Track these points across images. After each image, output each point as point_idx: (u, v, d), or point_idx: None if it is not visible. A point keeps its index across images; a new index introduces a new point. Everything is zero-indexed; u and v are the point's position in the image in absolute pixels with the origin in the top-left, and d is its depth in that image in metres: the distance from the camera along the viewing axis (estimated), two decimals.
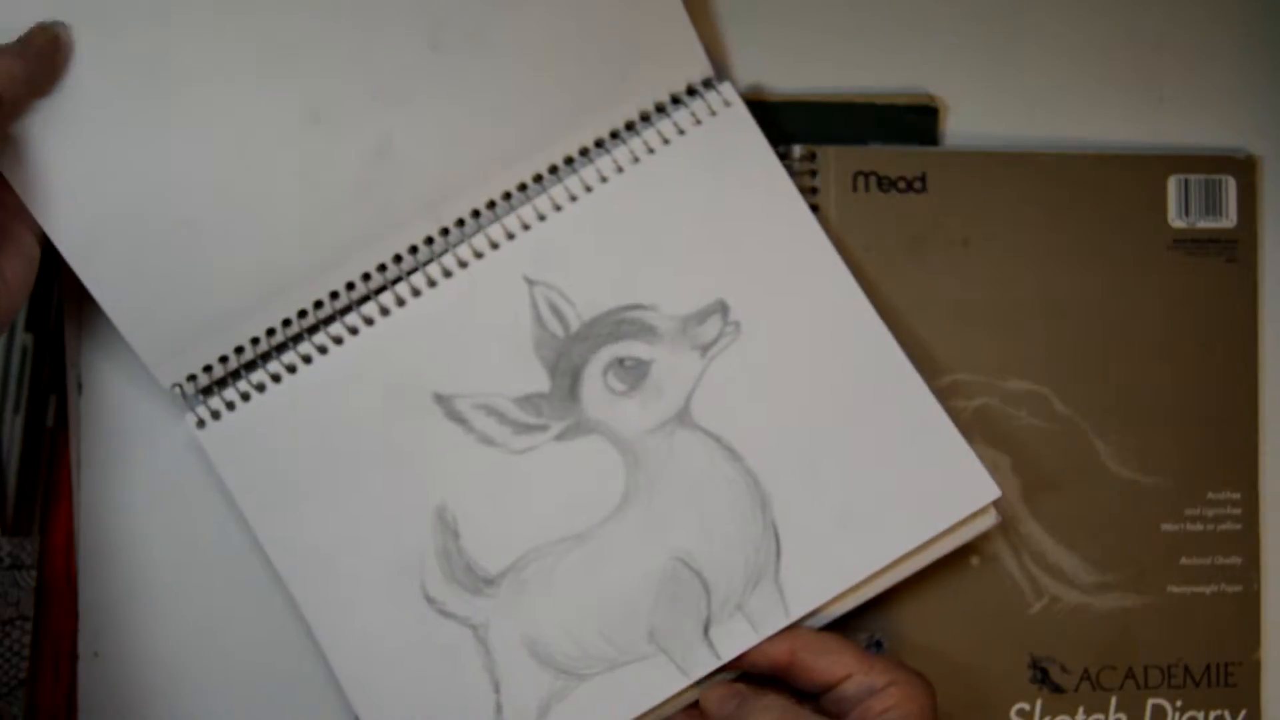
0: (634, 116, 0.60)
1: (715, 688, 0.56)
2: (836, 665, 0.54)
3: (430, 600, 0.57)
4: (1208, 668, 0.63)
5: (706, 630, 0.56)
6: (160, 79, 0.55)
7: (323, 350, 0.59)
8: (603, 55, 0.59)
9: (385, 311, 0.59)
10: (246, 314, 0.58)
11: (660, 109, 0.60)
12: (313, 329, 0.59)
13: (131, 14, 0.54)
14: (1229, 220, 0.64)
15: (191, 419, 0.58)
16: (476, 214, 0.60)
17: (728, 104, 0.60)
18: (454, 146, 0.59)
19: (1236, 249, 0.64)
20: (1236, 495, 0.63)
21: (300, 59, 0.56)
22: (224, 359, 0.58)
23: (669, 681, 0.56)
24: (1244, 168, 0.64)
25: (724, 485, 0.57)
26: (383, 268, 0.59)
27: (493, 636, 0.57)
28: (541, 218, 0.59)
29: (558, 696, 0.56)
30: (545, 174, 0.60)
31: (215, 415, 0.58)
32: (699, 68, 0.60)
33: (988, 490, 0.57)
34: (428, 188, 0.59)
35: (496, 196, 0.60)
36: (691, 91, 0.60)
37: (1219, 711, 0.63)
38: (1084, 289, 0.63)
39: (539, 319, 0.59)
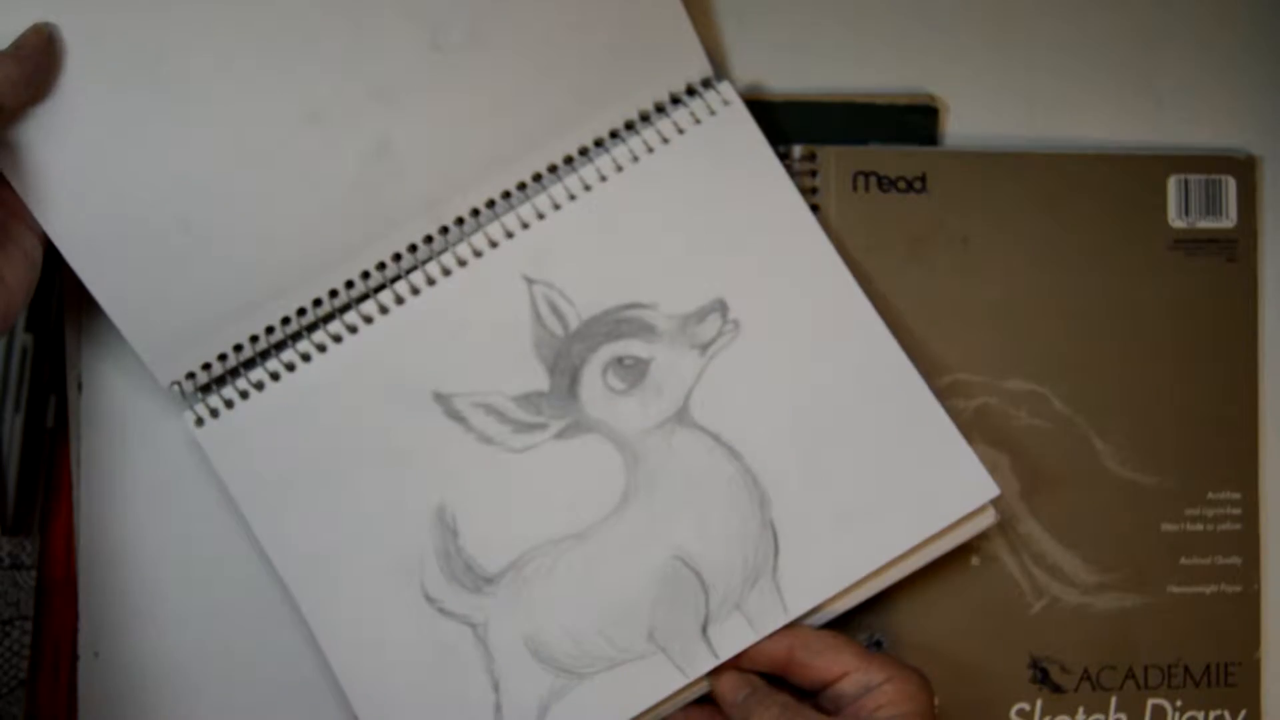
0: (633, 116, 0.60)
1: (729, 675, 0.56)
2: (834, 663, 0.54)
3: (430, 599, 0.57)
4: (1208, 668, 0.63)
5: (705, 629, 0.56)
6: (160, 78, 0.55)
7: (322, 349, 0.59)
8: (602, 54, 0.59)
9: (385, 310, 0.59)
10: (246, 312, 0.58)
11: (660, 108, 0.60)
12: (312, 327, 0.59)
13: (131, 13, 0.54)
14: (1229, 220, 0.64)
15: (190, 417, 0.58)
16: (476, 213, 0.60)
17: (727, 103, 0.60)
18: (453, 145, 0.59)
19: (1236, 249, 0.64)
20: (1236, 495, 0.63)
21: (299, 58, 0.56)
22: (223, 357, 0.58)
23: (668, 680, 0.56)
24: (1244, 168, 0.64)
25: (723, 484, 0.57)
26: (382, 266, 0.59)
27: (492, 635, 0.57)
28: (541, 217, 0.59)
29: (557, 695, 0.56)
30: (545, 173, 0.60)
31: (214, 413, 0.58)
32: (698, 67, 0.60)
33: (986, 489, 0.57)
34: (427, 187, 0.59)
35: (496, 195, 0.60)
36: (691, 91, 0.60)
37: (1219, 711, 0.63)
38: (1084, 289, 0.63)
39: (538, 318, 0.59)
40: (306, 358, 0.58)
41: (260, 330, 0.59)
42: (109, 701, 0.59)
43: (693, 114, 0.60)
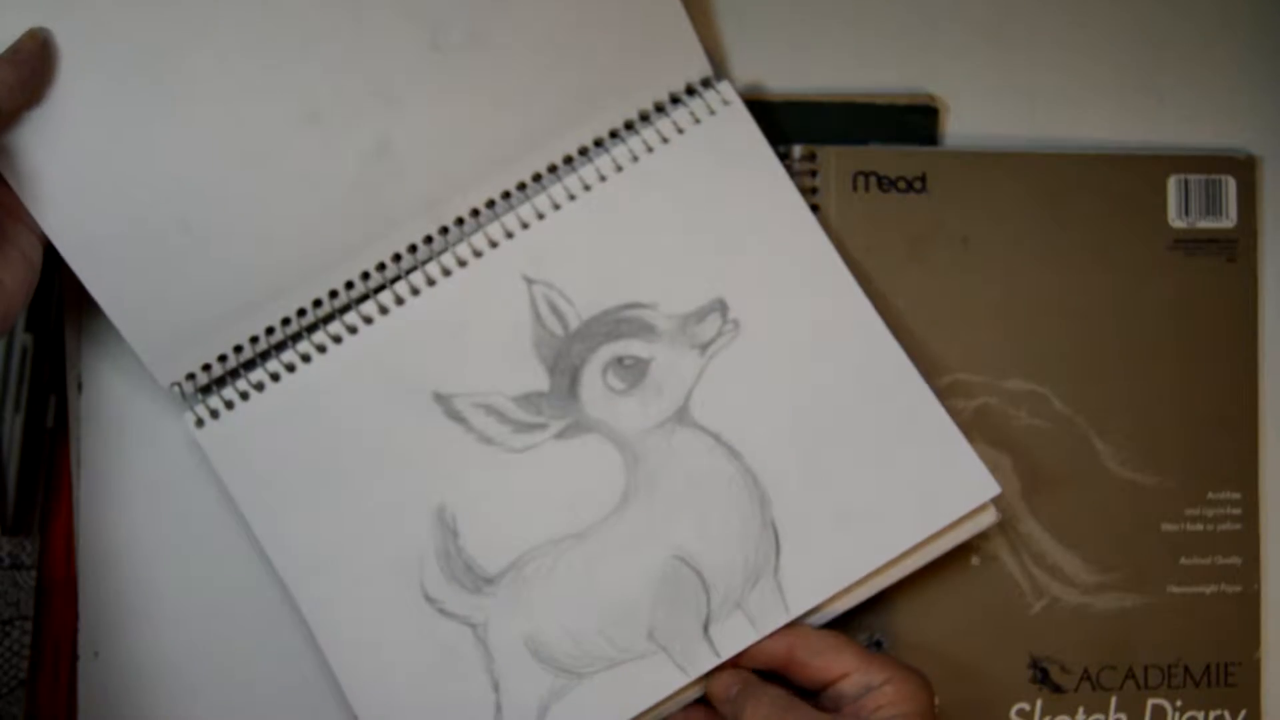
0: (633, 116, 0.60)
1: (722, 674, 0.56)
2: (834, 663, 0.54)
3: (430, 600, 0.57)
4: (1208, 668, 0.63)
5: (706, 628, 0.56)
6: (159, 79, 0.55)
7: (322, 349, 0.59)
8: (602, 54, 0.59)
9: (385, 310, 0.59)
10: (246, 312, 0.58)
11: (659, 108, 0.60)
12: (312, 327, 0.59)
13: (131, 13, 0.54)
14: (1229, 220, 0.64)
15: (190, 418, 0.58)
16: (476, 213, 0.60)
17: (726, 103, 0.60)
18: (453, 145, 0.59)
19: (1236, 249, 0.64)
20: (1236, 495, 0.63)
21: (299, 59, 0.56)
22: (223, 358, 0.58)
23: (668, 679, 0.56)
24: (1244, 168, 0.64)
25: (723, 483, 0.57)
26: (382, 266, 0.59)
27: (492, 636, 0.57)
28: (541, 217, 0.59)
29: (557, 695, 0.56)
30: (544, 173, 0.60)
31: (214, 414, 0.58)
32: (698, 67, 0.60)
33: (987, 487, 0.57)
34: (427, 187, 0.59)
35: (496, 196, 0.60)
36: (691, 91, 0.60)
37: (1219, 711, 0.63)
38: (1084, 289, 0.63)
39: (538, 318, 0.59)
40: (306, 358, 0.58)
41: (260, 331, 0.58)
42: (109, 701, 0.59)
43: (692, 114, 0.60)
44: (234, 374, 0.59)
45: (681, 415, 0.58)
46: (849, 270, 0.59)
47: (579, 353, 0.58)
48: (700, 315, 0.59)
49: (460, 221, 0.60)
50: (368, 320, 0.59)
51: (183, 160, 0.56)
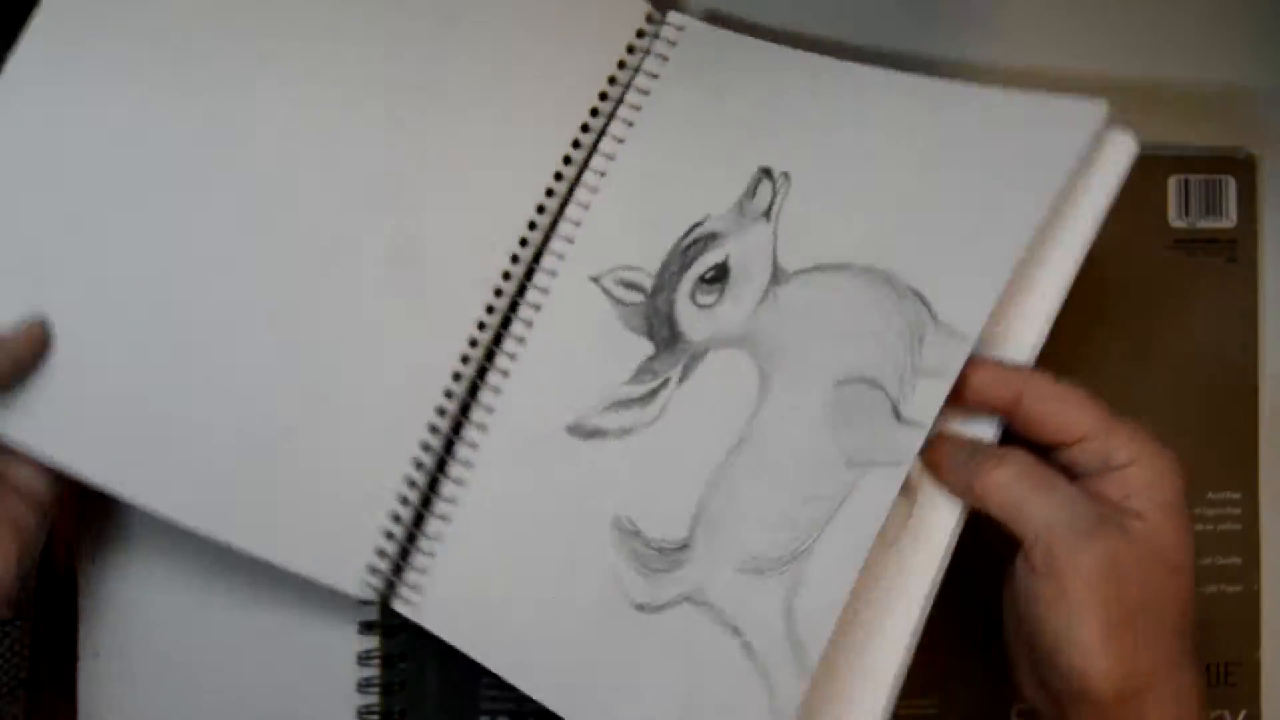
0: (604, 86, 0.60)
1: (939, 443, 0.51)
2: (1071, 422, 0.49)
3: (642, 607, 0.54)
4: (1207, 668, 0.63)
5: (898, 414, 0.51)
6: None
7: (468, 465, 0.58)
8: (557, 43, 0.60)
9: (498, 391, 0.58)
10: None
11: (622, 65, 0.60)
12: (440, 462, 0.58)
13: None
14: (1229, 220, 0.64)
15: None
16: (524, 242, 0.59)
17: (681, 29, 0.60)
18: (468, 198, 0.59)
19: (1236, 249, 0.64)
20: (1236, 495, 0.63)
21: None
22: None
23: (887, 486, 0.50)
24: (1244, 168, 0.64)
25: (844, 295, 0.54)
26: (465, 359, 0.59)
27: (711, 592, 0.53)
28: (585, 208, 0.59)
29: (794, 589, 0.51)
30: (553, 182, 0.60)
31: None
32: (637, 9, 0.61)
33: (1093, 110, 0.52)
34: (467, 253, 0.58)
35: (524, 226, 0.59)
36: (641, 34, 0.61)
37: (1219, 711, 0.63)
38: (1084, 289, 0.63)
39: (617, 301, 0.58)
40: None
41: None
42: (109, 701, 0.59)
43: (659, 55, 0.60)
44: None
45: (776, 276, 0.55)
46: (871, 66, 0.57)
47: (664, 300, 0.57)
48: (750, 191, 0.57)
49: (515, 259, 0.59)
50: (482, 429, 0.58)
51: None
